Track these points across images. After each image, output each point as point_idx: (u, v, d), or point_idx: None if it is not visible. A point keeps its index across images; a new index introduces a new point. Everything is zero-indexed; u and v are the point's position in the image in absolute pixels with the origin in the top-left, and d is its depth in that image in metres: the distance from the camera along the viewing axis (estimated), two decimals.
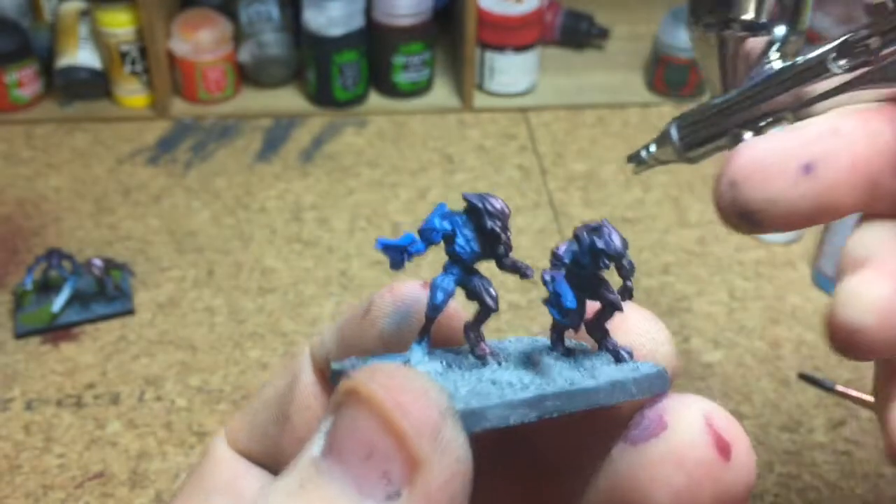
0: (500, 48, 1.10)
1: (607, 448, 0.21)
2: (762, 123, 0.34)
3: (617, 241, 0.21)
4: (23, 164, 1.01)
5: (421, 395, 0.16)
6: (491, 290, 0.21)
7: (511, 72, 1.11)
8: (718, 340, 0.78)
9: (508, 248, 0.21)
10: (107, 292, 0.80)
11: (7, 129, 1.07)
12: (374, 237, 0.90)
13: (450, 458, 0.16)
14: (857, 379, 0.74)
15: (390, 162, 1.02)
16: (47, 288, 0.80)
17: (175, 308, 0.81)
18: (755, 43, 0.34)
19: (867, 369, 0.74)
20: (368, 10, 1.08)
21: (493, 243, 0.20)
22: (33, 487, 0.65)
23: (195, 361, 0.75)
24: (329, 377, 0.21)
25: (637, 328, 0.23)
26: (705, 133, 0.37)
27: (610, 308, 0.22)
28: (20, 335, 0.77)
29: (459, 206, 0.21)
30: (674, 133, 0.39)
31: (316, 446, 0.17)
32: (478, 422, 0.17)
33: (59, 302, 0.78)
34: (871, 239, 0.26)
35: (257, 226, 0.92)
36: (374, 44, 1.09)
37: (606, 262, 0.21)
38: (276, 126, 1.08)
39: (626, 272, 0.22)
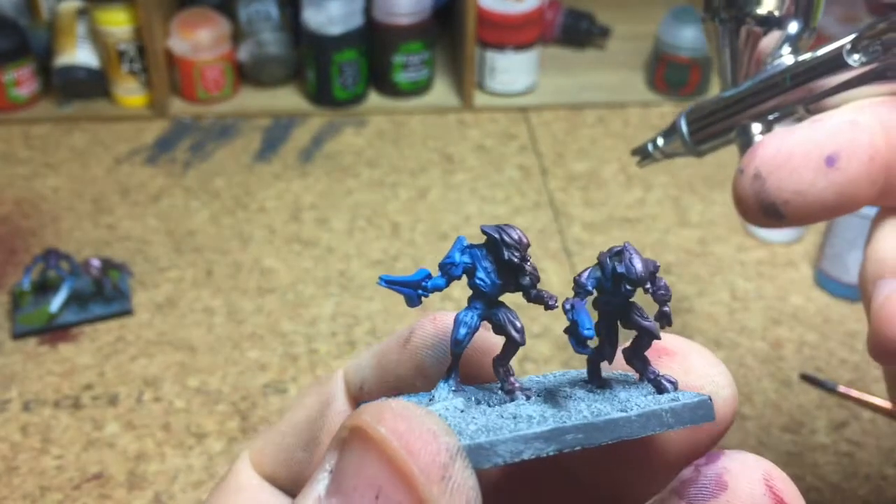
0: (500, 47, 1.09)
1: (656, 485, 0.21)
2: (772, 117, 0.34)
3: (638, 266, 0.20)
4: (21, 164, 1.00)
5: (429, 437, 0.16)
6: (517, 322, 0.20)
7: (511, 71, 1.11)
8: (720, 341, 0.77)
9: (535, 278, 0.20)
10: (105, 293, 0.79)
11: (5, 128, 1.06)
12: (373, 237, 0.90)
13: (459, 500, 0.16)
14: (858, 380, 0.73)
15: (390, 162, 1.02)
16: (45, 288, 0.79)
17: (173, 308, 0.81)
18: (769, 38, 0.35)
19: (868, 370, 0.74)
20: (368, 9, 1.08)
21: (517, 274, 0.20)
22: (31, 489, 0.64)
23: (194, 362, 0.75)
24: None
25: (698, 370, 0.22)
26: (715, 126, 0.37)
27: (647, 336, 0.21)
28: (18, 336, 0.77)
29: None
30: (683, 125, 0.39)
31: (321, 484, 0.16)
32: (487, 457, 0.17)
33: (56, 302, 0.77)
34: None
35: (256, 226, 0.91)
36: (374, 43, 1.09)
37: (628, 287, 0.20)
38: (276, 125, 1.08)
39: (660, 297, 0.21)
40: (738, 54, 0.36)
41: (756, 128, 0.35)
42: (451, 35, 1.19)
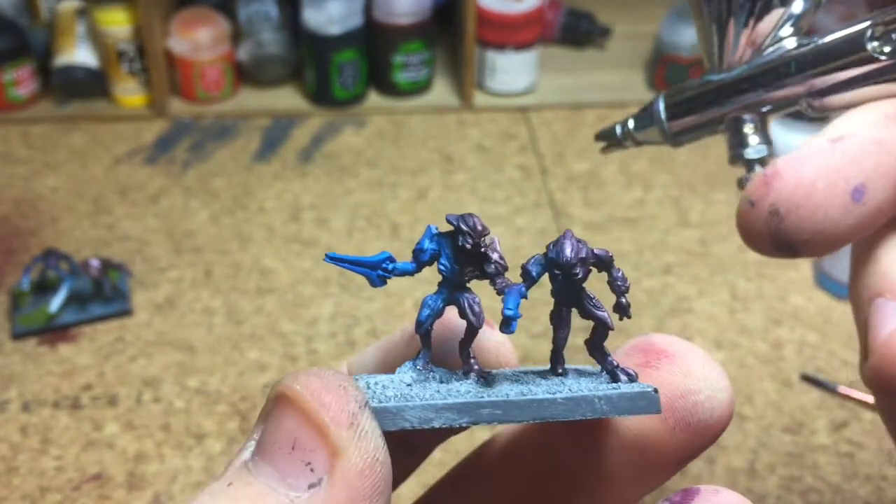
0: (500, 47, 1.09)
1: (649, 484, 0.22)
2: (766, 109, 0.30)
3: (566, 251, 0.20)
4: (20, 164, 1.00)
5: (339, 391, 0.17)
6: (475, 307, 0.21)
7: (511, 71, 1.11)
8: (720, 341, 0.77)
9: (501, 267, 0.20)
10: (104, 293, 0.79)
11: (4, 128, 1.06)
12: (373, 237, 0.90)
13: (367, 445, 0.17)
14: (859, 380, 0.73)
15: (389, 162, 1.02)
16: (44, 288, 0.79)
17: (173, 309, 0.80)
18: (769, 16, 0.29)
19: None
20: (368, 9, 1.08)
21: (481, 262, 0.20)
22: (30, 489, 0.64)
23: (193, 362, 0.75)
24: None
25: (696, 373, 0.22)
26: (699, 114, 0.31)
27: (601, 326, 0.21)
28: (17, 336, 0.77)
29: (463, 212, 0.21)
30: (661, 110, 0.33)
31: (247, 451, 0.18)
32: (394, 421, 0.18)
33: (56, 302, 0.77)
34: None
35: (256, 226, 0.91)
36: (374, 43, 1.09)
37: (556, 272, 0.20)
38: (275, 125, 1.08)
39: (617, 288, 0.21)
40: (727, 33, 0.30)
41: (749, 126, 0.30)
42: (450, 35, 1.19)
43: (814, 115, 0.28)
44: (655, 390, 0.20)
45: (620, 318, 0.21)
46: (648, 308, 0.81)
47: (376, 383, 0.20)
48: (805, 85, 0.28)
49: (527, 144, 1.05)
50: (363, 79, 1.10)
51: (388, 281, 0.21)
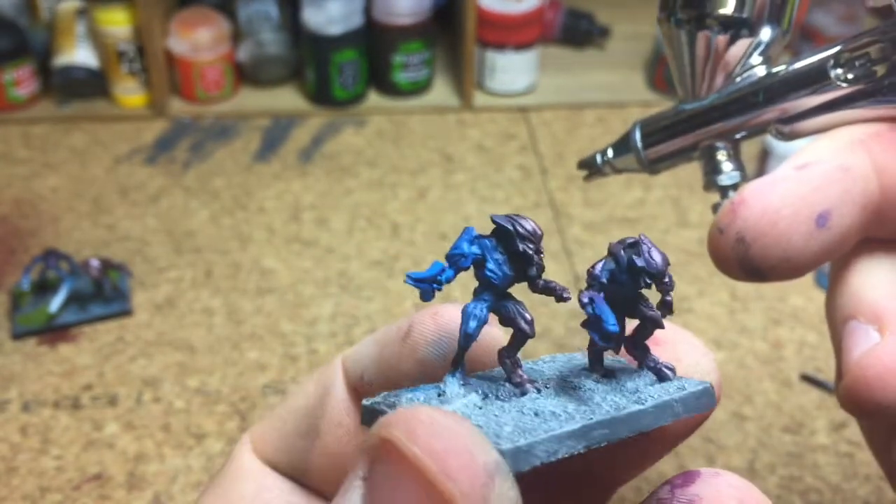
0: (500, 47, 1.09)
1: (640, 466, 0.22)
2: (738, 136, 0.30)
3: (658, 259, 0.20)
4: (20, 164, 1.00)
5: (466, 456, 0.15)
6: (526, 314, 0.20)
7: (511, 71, 1.11)
8: (720, 341, 0.77)
9: (541, 269, 0.20)
10: (104, 293, 0.79)
11: (4, 128, 1.06)
12: (373, 237, 0.90)
13: None
14: None
15: (389, 162, 1.02)
16: (44, 288, 0.79)
17: (173, 309, 0.81)
18: (737, 46, 0.30)
19: None
20: (368, 9, 1.08)
21: (525, 266, 0.19)
22: (30, 489, 0.64)
23: (193, 362, 0.75)
24: (361, 416, 0.20)
25: (687, 358, 0.23)
26: (673, 142, 0.32)
27: (651, 325, 0.21)
28: (17, 336, 0.77)
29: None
30: (637, 139, 0.34)
31: (356, 493, 0.16)
32: (527, 460, 0.17)
33: (56, 303, 0.77)
34: (885, 284, 0.24)
35: (256, 226, 0.91)
36: (374, 43, 1.09)
37: (647, 280, 0.20)
38: (275, 125, 1.08)
39: (666, 287, 0.21)
40: (698, 62, 0.30)
41: (723, 153, 0.31)
42: (450, 35, 1.19)
43: (784, 140, 0.29)
44: (711, 385, 0.21)
45: (664, 316, 0.21)
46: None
47: (445, 404, 0.19)
48: (774, 112, 0.28)
49: (527, 144, 1.05)
50: (363, 79, 1.10)
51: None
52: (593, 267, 0.21)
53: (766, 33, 0.29)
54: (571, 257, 0.87)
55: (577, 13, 1.21)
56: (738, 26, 0.29)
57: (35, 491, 0.64)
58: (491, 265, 0.19)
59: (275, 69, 1.11)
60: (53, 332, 0.77)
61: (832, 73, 0.26)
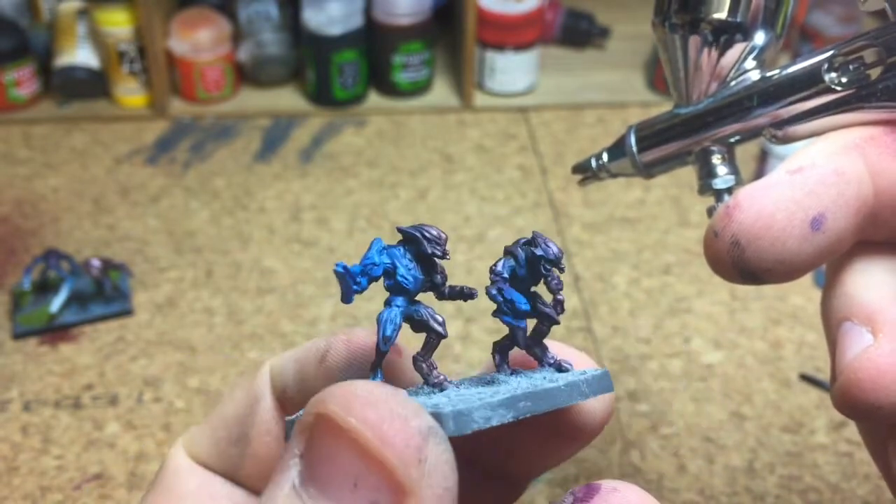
0: (500, 47, 1.09)
1: (549, 461, 0.24)
2: (734, 140, 0.30)
3: (554, 247, 0.22)
4: (20, 164, 1.01)
5: (400, 423, 0.16)
6: (437, 316, 0.21)
7: (511, 71, 1.11)
8: (719, 341, 0.77)
9: (444, 276, 0.21)
10: (105, 293, 0.79)
11: (5, 128, 1.06)
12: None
13: (437, 479, 0.16)
14: None
15: (390, 162, 1.02)
16: (45, 288, 0.79)
17: (174, 309, 0.81)
18: (732, 50, 0.30)
19: None
20: (368, 10, 1.08)
21: (431, 272, 0.21)
22: (31, 489, 0.64)
23: (194, 362, 0.75)
24: (286, 432, 0.21)
25: (574, 364, 0.24)
26: (668, 146, 0.32)
27: (547, 321, 0.23)
28: (18, 336, 0.77)
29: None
30: (632, 142, 0.34)
31: (293, 470, 0.17)
32: (467, 424, 0.18)
33: (57, 302, 0.77)
34: (879, 286, 0.25)
35: (256, 226, 0.91)
36: (374, 43, 1.09)
37: (547, 266, 0.22)
38: (275, 126, 1.08)
39: (556, 286, 0.22)
40: (693, 67, 0.30)
41: (717, 157, 0.31)
42: (450, 35, 1.19)
43: (778, 144, 0.29)
44: (607, 371, 0.23)
45: (558, 313, 0.23)
46: (648, 308, 0.81)
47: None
48: (768, 116, 0.28)
49: (527, 144, 1.05)
50: (363, 79, 1.10)
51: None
52: (495, 265, 0.22)
53: (760, 37, 0.30)
54: (571, 257, 0.87)
55: (576, 13, 1.21)
56: (732, 31, 0.29)
57: (36, 490, 0.64)
58: (402, 271, 0.20)
59: (275, 69, 1.11)
60: (54, 331, 0.77)
61: (826, 77, 0.26)
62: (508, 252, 0.22)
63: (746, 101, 0.29)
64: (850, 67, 0.26)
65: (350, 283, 0.20)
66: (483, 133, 1.07)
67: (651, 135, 0.33)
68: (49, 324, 0.77)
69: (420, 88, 1.13)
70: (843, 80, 0.26)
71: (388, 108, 1.11)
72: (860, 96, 0.26)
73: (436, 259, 0.21)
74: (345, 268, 0.20)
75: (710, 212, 0.29)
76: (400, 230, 0.21)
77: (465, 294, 0.21)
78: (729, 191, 0.31)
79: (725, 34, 0.29)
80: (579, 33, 1.21)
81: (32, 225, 0.91)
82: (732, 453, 0.67)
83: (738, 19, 0.29)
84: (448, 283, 0.21)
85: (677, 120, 0.31)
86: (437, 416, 0.17)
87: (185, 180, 0.98)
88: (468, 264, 0.86)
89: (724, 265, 0.25)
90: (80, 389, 0.72)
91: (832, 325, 0.25)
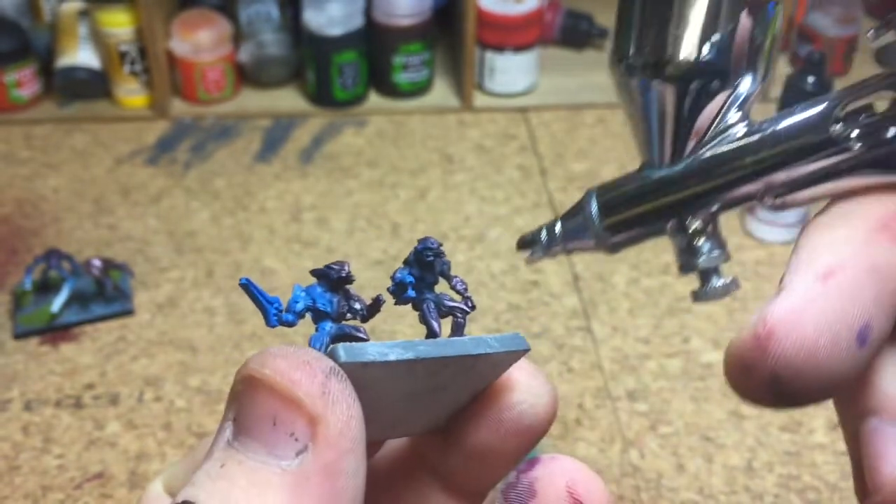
0: (499, 48, 1.09)
1: (497, 474, 0.24)
2: (715, 208, 0.25)
3: (433, 241, 0.23)
4: (22, 165, 1.01)
5: (305, 367, 0.19)
6: (360, 333, 0.23)
7: (511, 72, 1.11)
8: (718, 341, 0.78)
9: (362, 301, 0.23)
10: (106, 293, 0.80)
11: (6, 129, 1.07)
12: (373, 237, 0.90)
13: (341, 406, 0.19)
14: None
15: (390, 162, 1.02)
16: (46, 288, 0.79)
17: (174, 308, 0.81)
18: (705, 98, 0.25)
19: None
20: (368, 10, 1.08)
21: (348, 300, 0.23)
22: (32, 488, 0.65)
23: (194, 362, 0.75)
24: None
25: (520, 385, 0.24)
26: (638, 216, 0.26)
27: (460, 312, 0.24)
28: (19, 335, 0.77)
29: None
30: (593, 210, 0.27)
31: (227, 431, 0.19)
32: (360, 354, 0.20)
33: (58, 302, 0.78)
34: (842, 244, 0.21)
35: (256, 226, 0.92)
36: (374, 44, 1.09)
37: (430, 255, 0.23)
38: (276, 126, 1.08)
39: (461, 287, 0.24)
40: (661, 119, 0.25)
41: (698, 229, 0.25)
42: (450, 36, 1.19)
43: (773, 211, 0.24)
44: (520, 334, 0.23)
45: (468, 306, 0.24)
46: (647, 308, 0.81)
47: None
48: (761, 182, 0.23)
49: (526, 145, 1.06)
50: (363, 79, 1.10)
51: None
52: (393, 275, 0.23)
53: (745, 85, 0.24)
54: (571, 257, 0.87)
55: (576, 14, 1.22)
56: (707, 76, 0.24)
57: (37, 490, 0.65)
58: (322, 301, 0.23)
59: (275, 70, 1.12)
60: (55, 331, 0.78)
61: (832, 130, 0.22)
62: (404, 261, 0.24)
63: (733, 163, 0.24)
64: (860, 118, 0.22)
65: (265, 310, 0.23)
66: (483, 133, 1.08)
67: (617, 202, 0.26)
68: (50, 323, 0.78)
69: (420, 89, 1.13)
70: (853, 133, 0.22)
71: (388, 108, 1.12)
72: (877, 160, 0.21)
73: (349, 287, 0.23)
74: (248, 281, 0.22)
75: (696, 296, 0.25)
76: (311, 272, 0.23)
77: (380, 303, 0.23)
78: (716, 270, 0.25)
79: (700, 79, 0.24)
80: (579, 34, 1.21)
81: (33, 225, 0.91)
82: (732, 452, 0.68)
83: (713, 61, 0.24)
84: (364, 304, 0.23)
85: (648, 184, 0.26)
86: (333, 349, 0.20)
87: (185, 181, 0.98)
88: (468, 264, 0.86)
89: (761, 401, 0.22)
90: (81, 389, 0.73)
91: (853, 414, 0.22)
